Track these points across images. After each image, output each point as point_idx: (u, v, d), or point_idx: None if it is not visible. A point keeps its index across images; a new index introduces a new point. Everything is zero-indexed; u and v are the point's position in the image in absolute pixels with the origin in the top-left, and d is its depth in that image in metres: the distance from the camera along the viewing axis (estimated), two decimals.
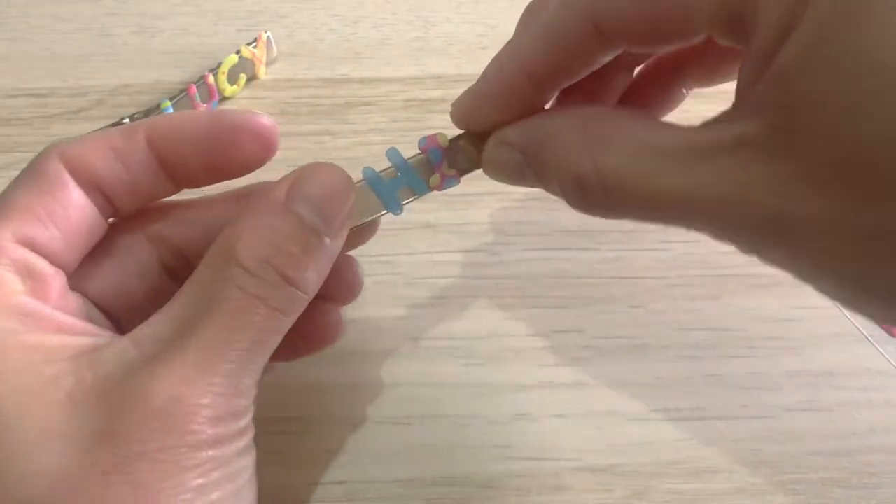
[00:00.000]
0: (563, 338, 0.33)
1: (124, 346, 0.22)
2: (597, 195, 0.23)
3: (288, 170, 0.37)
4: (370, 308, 0.33)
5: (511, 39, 0.26)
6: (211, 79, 0.41)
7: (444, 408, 0.32)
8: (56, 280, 0.24)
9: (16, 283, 0.23)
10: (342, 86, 0.43)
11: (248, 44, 0.42)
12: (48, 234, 0.24)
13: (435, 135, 0.27)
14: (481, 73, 0.26)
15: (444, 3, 0.47)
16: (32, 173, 0.25)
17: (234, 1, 0.47)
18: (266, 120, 0.26)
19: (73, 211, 0.25)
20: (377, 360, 0.33)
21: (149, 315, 0.23)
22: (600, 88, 0.28)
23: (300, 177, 0.25)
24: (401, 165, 0.27)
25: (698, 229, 0.22)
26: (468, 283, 0.35)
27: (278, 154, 0.39)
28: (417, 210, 0.27)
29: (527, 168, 0.26)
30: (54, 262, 0.24)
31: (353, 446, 0.31)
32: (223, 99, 0.42)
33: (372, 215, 0.27)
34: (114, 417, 0.21)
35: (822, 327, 0.33)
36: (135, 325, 0.23)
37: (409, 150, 0.27)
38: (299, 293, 0.24)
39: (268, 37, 0.43)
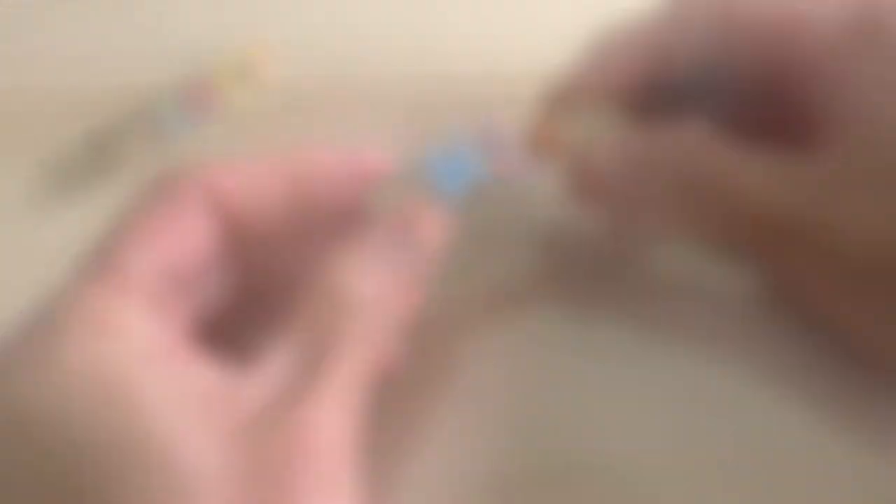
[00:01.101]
0: None
1: (260, 388, 0.23)
2: None
3: None
4: None
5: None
6: (211, 78, 0.41)
7: None
8: (186, 309, 0.25)
9: (150, 316, 0.23)
10: (347, 85, 0.43)
11: (249, 44, 0.42)
12: (180, 261, 0.24)
13: None
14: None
15: (452, 4, 0.47)
16: (162, 195, 0.25)
17: (237, 0, 0.46)
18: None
19: (202, 236, 0.25)
20: None
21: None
22: None
23: (409, 221, 0.27)
24: None
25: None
26: None
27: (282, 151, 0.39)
28: None
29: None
30: (184, 289, 0.25)
31: None
32: (221, 101, 0.42)
33: None
34: (264, 464, 0.21)
35: None
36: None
37: None
38: (400, 333, 0.26)
39: (268, 38, 0.42)
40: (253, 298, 0.28)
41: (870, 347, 0.30)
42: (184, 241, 0.25)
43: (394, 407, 0.28)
